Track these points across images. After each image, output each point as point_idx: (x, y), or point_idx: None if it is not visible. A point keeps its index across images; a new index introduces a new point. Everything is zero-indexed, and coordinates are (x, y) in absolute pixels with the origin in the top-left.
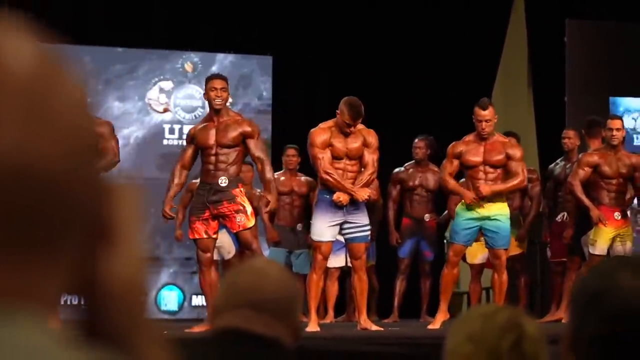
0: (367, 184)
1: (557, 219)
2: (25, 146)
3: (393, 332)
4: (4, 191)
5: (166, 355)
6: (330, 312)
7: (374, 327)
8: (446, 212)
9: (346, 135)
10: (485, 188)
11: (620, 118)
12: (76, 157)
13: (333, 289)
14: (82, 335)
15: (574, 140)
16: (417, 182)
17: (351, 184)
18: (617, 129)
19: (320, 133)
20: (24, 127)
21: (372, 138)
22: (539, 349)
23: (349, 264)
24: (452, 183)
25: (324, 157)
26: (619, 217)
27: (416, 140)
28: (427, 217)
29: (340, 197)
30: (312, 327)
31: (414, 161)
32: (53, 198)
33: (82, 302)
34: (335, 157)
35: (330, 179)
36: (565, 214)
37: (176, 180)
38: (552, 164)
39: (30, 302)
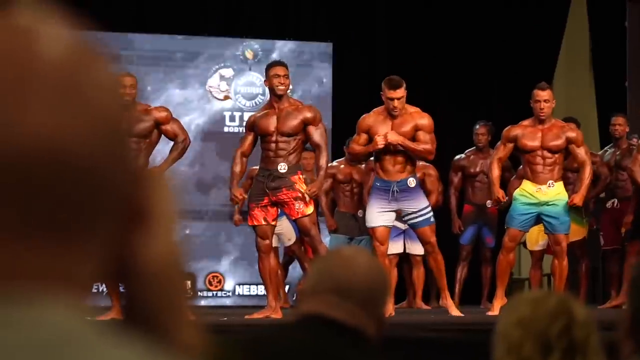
0: (416, 152)
1: (607, 205)
2: (59, 131)
3: (452, 318)
4: (38, 176)
5: (202, 338)
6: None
7: (454, 311)
8: (507, 198)
9: (394, 118)
10: (578, 198)
11: None
12: (109, 142)
13: (391, 276)
14: (118, 321)
15: (623, 127)
16: (478, 169)
17: (399, 170)
18: None
19: (363, 119)
20: (57, 113)
21: (426, 120)
22: (590, 335)
23: (407, 251)
24: (495, 173)
25: (355, 139)
26: None
27: (477, 126)
28: (489, 203)
29: (378, 140)
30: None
31: (475, 147)
32: (86, 182)
33: (121, 286)
34: None
35: (354, 150)
36: (616, 200)
37: (238, 168)
38: (601, 151)
39: (65, 286)
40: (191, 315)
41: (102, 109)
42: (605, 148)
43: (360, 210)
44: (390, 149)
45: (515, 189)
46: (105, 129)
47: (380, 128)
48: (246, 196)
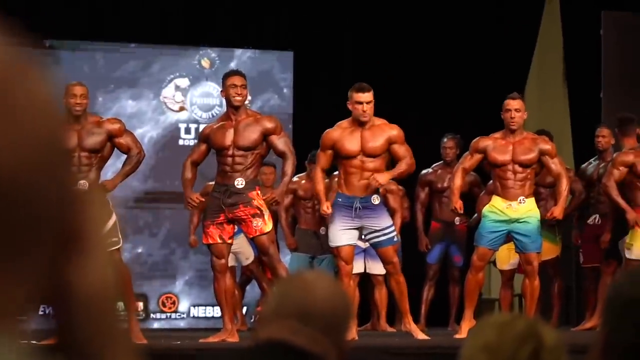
0: (404, 174)
1: (589, 221)
2: None
3: (418, 341)
4: None
5: None
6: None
7: (419, 334)
8: (476, 215)
9: (363, 126)
10: (557, 211)
11: None
12: (44, 165)
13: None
14: (52, 346)
15: (608, 139)
16: (446, 184)
17: (365, 185)
18: None
19: (327, 133)
20: None
21: (396, 131)
22: (559, 359)
23: (368, 270)
24: (457, 183)
25: (319, 161)
26: None
27: (444, 139)
28: (457, 220)
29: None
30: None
31: (442, 162)
32: (20, 206)
33: (51, 312)
34: (348, 156)
35: (317, 182)
36: (598, 216)
37: (188, 174)
38: (585, 164)
39: None
40: (128, 342)
41: (37, 130)
42: (590, 161)
43: (322, 228)
44: (358, 164)
45: (485, 205)
46: (40, 151)
47: (347, 142)
48: (202, 199)
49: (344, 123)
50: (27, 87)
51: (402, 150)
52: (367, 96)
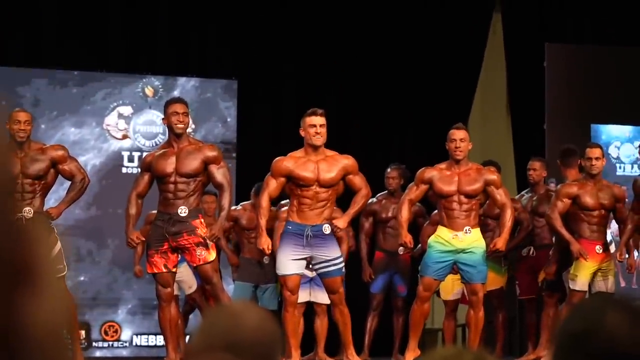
0: (359, 211)
1: (522, 253)
2: None
3: None
4: None
5: None
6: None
7: None
8: (420, 245)
9: (316, 150)
10: (500, 242)
11: (600, 146)
12: None
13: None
14: None
15: (539, 172)
16: (390, 214)
17: (317, 214)
18: (597, 158)
19: (281, 161)
20: None
21: (350, 160)
22: None
23: (312, 299)
24: (404, 215)
25: (268, 185)
26: (601, 250)
27: (388, 169)
28: (400, 250)
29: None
30: None
31: (386, 192)
32: None
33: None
34: (303, 185)
35: (258, 214)
36: (532, 248)
37: (133, 210)
38: (517, 196)
39: None
40: None
41: None
42: (522, 193)
43: (265, 257)
44: (311, 194)
45: (429, 236)
46: None
47: (303, 171)
48: (143, 239)
49: (297, 153)
50: None
51: (357, 180)
52: (320, 119)
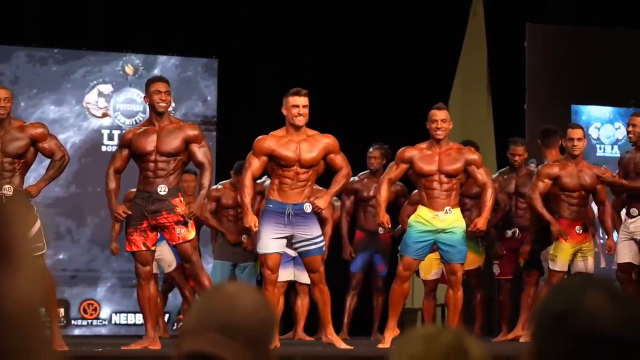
0: (343, 188)
1: (506, 234)
2: None
3: (341, 351)
4: None
5: None
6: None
7: (342, 344)
8: (400, 225)
9: (298, 130)
10: (481, 222)
11: (581, 127)
12: None
13: (278, 304)
14: None
15: (522, 156)
16: (372, 193)
17: (298, 193)
18: (578, 139)
19: (263, 140)
20: None
21: (331, 140)
22: None
23: (295, 278)
24: (383, 195)
25: (250, 165)
26: (580, 231)
27: (370, 149)
28: (380, 230)
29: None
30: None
31: (368, 171)
32: None
33: None
34: (284, 165)
35: (242, 193)
36: (517, 230)
37: (112, 185)
38: (497, 174)
39: None
40: (52, 351)
41: None
42: (502, 170)
43: (244, 236)
44: (292, 174)
45: (408, 215)
46: None
47: (285, 151)
48: (129, 212)
49: (278, 132)
50: None
51: (338, 159)
52: (303, 100)
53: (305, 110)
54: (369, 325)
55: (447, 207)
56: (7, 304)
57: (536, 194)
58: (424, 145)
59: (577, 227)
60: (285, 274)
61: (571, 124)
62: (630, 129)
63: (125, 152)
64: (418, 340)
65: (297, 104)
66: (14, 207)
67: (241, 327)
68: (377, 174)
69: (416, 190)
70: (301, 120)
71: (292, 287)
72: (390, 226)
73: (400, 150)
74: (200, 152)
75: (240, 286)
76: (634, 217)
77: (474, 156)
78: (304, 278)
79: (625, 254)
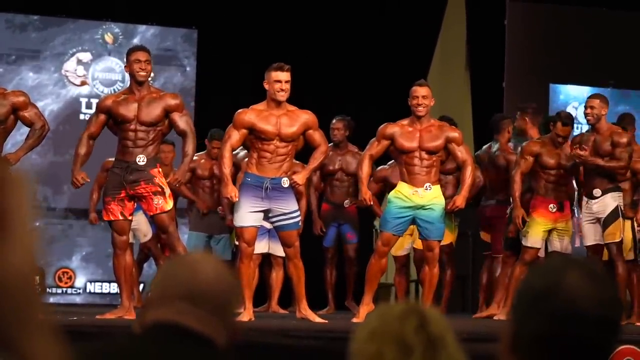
0: (318, 167)
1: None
2: None
3: (315, 325)
4: None
5: (57, 347)
6: None
7: (316, 318)
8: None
9: (279, 105)
10: (459, 200)
11: (571, 123)
12: None
13: (253, 277)
14: None
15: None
16: (336, 166)
17: (277, 168)
18: (566, 137)
19: (244, 113)
20: None
21: (310, 116)
22: (445, 330)
23: (270, 251)
24: (364, 170)
25: (230, 137)
26: (554, 209)
27: (334, 121)
28: (346, 203)
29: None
30: (246, 316)
31: (332, 144)
32: None
33: None
34: (264, 139)
35: (221, 165)
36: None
37: (83, 150)
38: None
39: None
40: (47, 325)
41: None
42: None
43: (219, 207)
44: (272, 148)
45: (373, 192)
46: None
47: (264, 125)
48: (88, 180)
49: (259, 106)
50: None
51: (317, 135)
52: (285, 75)
53: (287, 86)
54: (343, 296)
55: (427, 184)
56: (0, 272)
57: (517, 176)
58: (405, 121)
59: (551, 205)
60: (260, 247)
61: (563, 119)
62: (589, 110)
63: (102, 117)
64: (373, 318)
65: (280, 79)
66: (6, 174)
67: (205, 294)
68: (340, 146)
69: (380, 167)
70: (283, 96)
71: (266, 260)
72: (371, 203)
73: (382, 126)
74: (182, 121)
75: (202, 255)
76: (597, 197)
77: (455, 134)
78: (279, 251)
79: (590, 237)
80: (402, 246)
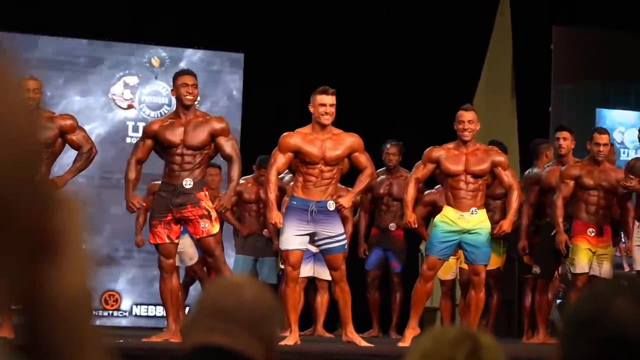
0: (366, 188)
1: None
2: None
3: (360, 348)
4: None
5: None
6: None
7: (362, 342)
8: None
9: (324, 128)
10: (506, 224)
11: (608, 132)
12: (20, 165)
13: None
14: (23, 347)
15: (569, 142)
16: (385, 191)
17: (322, 191)
18: (604, 144)
19: (289, 137)
20: None
21: (356, 139)
22: (499, 357)
23: (315, 274)
24: (410, 194)
25: (276, 160)
26: (593, 234)
27: (388, 145)
28: (392, 226)
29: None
30: (292, 340)
31: (384, 168)
32: None
33: (23, 312)
34: (309, 162)
35: (266, 189)
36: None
37: (132, 175)
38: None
39: None
40: (101, 346)
41: (11, 126)
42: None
43: (265, 230)
44: (317, 172)
45: (420, 216)
46: (17, 154)
47: (310, 149)
48: (144, 204)
49: (304, 129)
50: (2, 88)
51: (363, 158)
52: (330, 99)
53: (332, 109)
54: (388, 322)
55: (473, 208)
56: (54, 294)
57: (559, 201)
58: (451, 145)
59: (590, 230)
60: (305, 270)
61: (598, 129)
62: None
63: (149, 142)
64: (427, 338)
65: (325, 103)
66: (59, 195)
67: (246, 317)
68: (392, 171)
69: (428, 191)
70: (328, 119)
71: (311, 284)
72: (416, 226)
73: (428, 149)
74: (228, 145)
75: (244, 277)
76: None
77: (501, 158)
78: (324, 274)
79: None
80: (450, 270)
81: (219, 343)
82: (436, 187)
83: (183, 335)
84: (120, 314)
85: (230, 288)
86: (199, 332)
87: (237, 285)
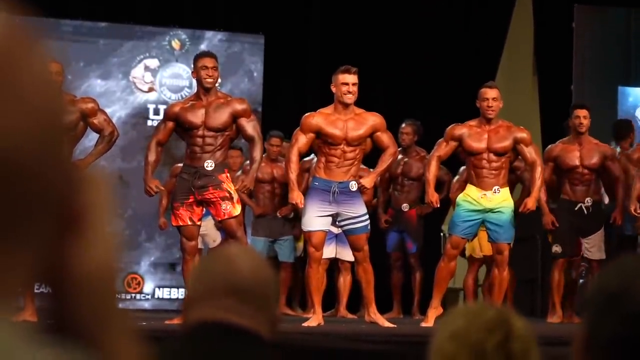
0: (389, 166)
1: None
2: None
3: (384, 329)
4: None
5: (137, 347)
6: None
7: (385, 322)
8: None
9: (347, 108)
10: (530, 201)
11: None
12: (45, 139)
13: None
14: (48, 328)
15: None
16: (398, 171)
17: (344, 171)
18: (584, 117)
19: (311, 117)
20: None
21: (379, 118)
22: (529, 348)
23: (338, 255)
24: (432, 172)
25: (297, 140)
26: None
27: (403, 125)
28: (404, 207)
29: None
30: (316, 321)
31: (400, 148)
32: (20, 181)
33: (49, 292)
34: (331, 143)
35: (287, 169)
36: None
37: (152, 157)
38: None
39: None
40: (126, 322)
41: (37, 102)
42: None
43: (279, 211)
44: (339, 152)
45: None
46: (40, 124)
47: (332, 129)
48: (162, 188)
49: (326, 109)
50: (29, 61)
51: (385, 137)
52: (353, 78)
53: (355, 88)
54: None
55: (496, 187)
56: (79, 272)
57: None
58: (473, 122)
59: None
60: (328, 251)
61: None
62: None
63: (170, 124)
64: (460, 317)
65: (347, 82)
66: (85, 174)
67: (246, 287)
68: (407, 150)
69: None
70: (350, 98)
71: (334, 265)
72: (438, 205)
73: (450, 127)
74: (250, 126)
75: (238, 248)
76: None
77: (523, 134)
78: (347, 255)
79: None
80: (483, 249)
81: (223, 318)
82: (462, 167)
83: (184, 310)
84: (143, 297)
85: (227, 261)
86: (201, 308)
87: (233, 257)
